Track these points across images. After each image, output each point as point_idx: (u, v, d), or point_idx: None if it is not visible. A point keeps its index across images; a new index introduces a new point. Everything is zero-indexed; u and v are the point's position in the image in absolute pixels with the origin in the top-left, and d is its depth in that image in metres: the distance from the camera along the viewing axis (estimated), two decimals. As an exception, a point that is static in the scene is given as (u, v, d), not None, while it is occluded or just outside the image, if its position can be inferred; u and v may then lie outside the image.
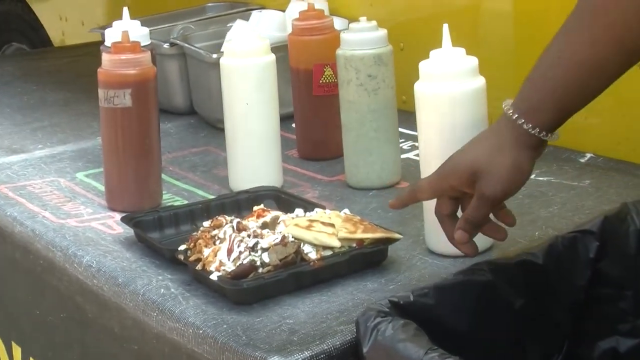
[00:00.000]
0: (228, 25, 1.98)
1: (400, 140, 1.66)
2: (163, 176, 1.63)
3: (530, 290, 1.12)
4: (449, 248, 1.25)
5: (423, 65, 1.24)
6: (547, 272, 1.13)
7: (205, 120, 1.92)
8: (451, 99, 1.21)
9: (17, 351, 1.56)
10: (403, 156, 1.62)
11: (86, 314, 1.34)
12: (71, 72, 2.39)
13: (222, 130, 1.76)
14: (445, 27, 1.22)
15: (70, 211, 1.51)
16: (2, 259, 1.55)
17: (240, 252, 1.17)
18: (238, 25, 1.86)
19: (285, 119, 1.76)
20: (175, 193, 1.57)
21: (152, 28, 2.03)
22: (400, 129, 1.62)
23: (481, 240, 1.25)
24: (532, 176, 1.49)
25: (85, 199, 1.56)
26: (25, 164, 1.74)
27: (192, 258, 1.22)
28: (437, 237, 1.26)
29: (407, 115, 1.60)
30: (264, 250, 1.17)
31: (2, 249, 1.53)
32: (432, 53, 1.24)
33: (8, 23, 3.41)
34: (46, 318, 1.45)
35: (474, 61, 1.23)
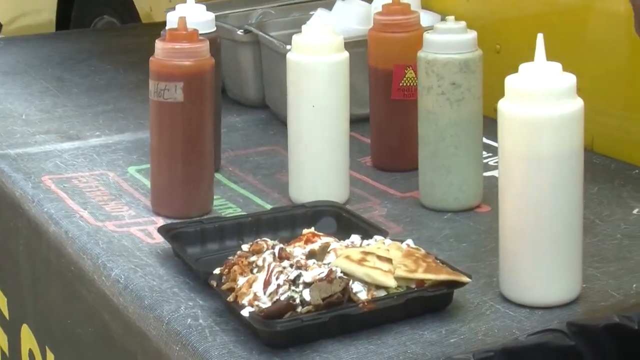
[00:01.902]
0: (311, 12, 1.82)
1: (486, 155, 1.48)
2: (220, 177, 1.48)
3: (619, 362, 0.93)
4: (526, 295, 1.07)
5: (509, 81, 1.05)
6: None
7: (277, 116, 1.76)
8: (538, 123, 1.02)
9: (50, 358, 1.44)
10: (487, 174, 1.44)
11: (112, 334, 1.20)
12: (148, 52, 2.23)
13: (293, 129, 1.61)
14: (540, 37, 1.03)
15: (111, 212, 1.37)
16: (38, 258, 1.42)
17: (279, 286, 1.01)
18: (318, 14, 1.70)
19: (362, 121, 1.60)
20: (230, 199, 1.42)
21: (230, 11, 1.89)
22: (487, 141, 1.43)
23: (564, 290, 1.07)
24: (635, 211, 1.31)
25: (131, 198, 1.42)
26: (77, 153, 1.61)
27: (225, 286, 1.06)
28: (513, 281, 1.08)
29: (495, 126, 1.42)
30: (306, 285, 1.01)
31: (39, 247, 1.41)
32: (522, 67, 1.05)
33: (101, -5, 3.32)
34: (76, 330, 1.32)
35: (570, 80, 1.04)
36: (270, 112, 1.78)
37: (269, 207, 1.37)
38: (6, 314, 1.61)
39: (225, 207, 1.39)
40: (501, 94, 1.36)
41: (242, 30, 1.78)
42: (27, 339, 1.53)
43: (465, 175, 1.34)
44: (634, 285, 1.10)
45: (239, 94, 1.84)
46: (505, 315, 1.05)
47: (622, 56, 1.53)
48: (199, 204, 1.35)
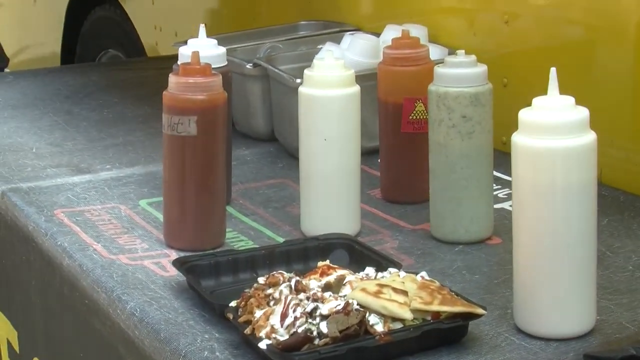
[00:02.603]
0: (319, 46, 1.84)
1: (496, 187, 1.49)
2: (231, 210, 1.49)
3: (635, 394, 0.93)
4: (540, 327, 1.07)
5: (523, 114, 1.06)
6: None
7: (286, 148, 1.77)
8: (552, 156, 1.03)
9: (61, 391, 1.44)
10: (497, 206, 1.45)
11: (127, 367, 1.20)
12: (155, 86, 2.25)
13: (302, 162, 1.62)
14: (553, 71, 1.05)
15: (124, 245, 1.38)
16: (51, 292, 1.43)
17: (296, 318, 1.01)
18: (327, 48, 1.71)
19: (372, 153, 1.61)
20: (241, 231, 1.43)
21: (238, 45, 1.91)
22: (497, 174, 1.45)
23: (579, 322, 1.07)
24: (646, 242, 1.32)
25: (144, 231, 1.43)
26: (88, 186, 1.62)
27: (241, 319, 1.07)
28: (527, 313, 1.08)
29: (506, 158, 1.43)
30: (323, 317, 1.02)
31: (52, 280, 1.42)
32: (535, 100, 1.06)
33: (106, 29, 3.35)
34: (89, 363, 1.32)
35: (583, 113, 1.05)
36: (279, 145, 1.79)
37: (280, 240, 1.38)
38: (16, 347, 1.62)
39: (237, 239, 1.40)
40: (508, 127, 1.37)
41: (251, 65, 1.79)
42: (38, 373, 1.53)
43: (476, 208, 1.34)
44: (648, 317, 1.11)
45: (247, 127, 1.85)
46: (520, 347, 1.06)
47: (628, 89, 1.54)
48: (211, 237, 1.36)
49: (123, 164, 1.73)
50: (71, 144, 1.85)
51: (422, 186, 1.48)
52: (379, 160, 1.59)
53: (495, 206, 1.42)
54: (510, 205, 1.47)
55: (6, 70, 3.52)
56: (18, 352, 1.61)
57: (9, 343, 1.65)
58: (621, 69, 1.54)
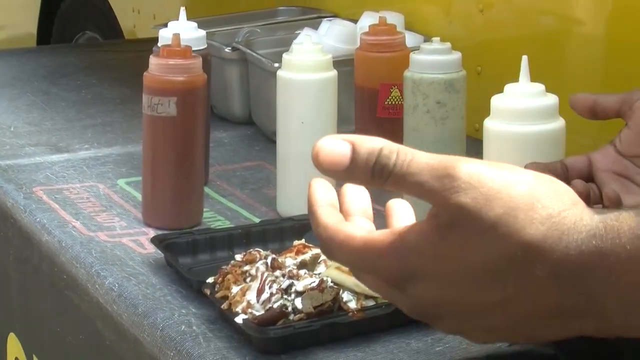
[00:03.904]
0: (296, 32, 1.86)
1: (469, 173, 1.52)
2: (208, 191, 1.52)
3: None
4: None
5: (495, 100, 1.10)
6: (621, 351, 0.98)
7: (263, 132, 1.80)
8: (523, 141, 1.07)
9: (37, 366, 1.46)
10: (469, 191, 1.48)
11: (104, 341, 1.22)
12: (134, 68, 2.28)
13: (278, 145, 1.64)
14: (524, 59, 1.08)
15: (103, 223, 1.40)
16: (29, 267, 1.45)
17: (272, 294, 1.04)
18: (304, 33, 1.74)
19: (346, 139, 1.64)
20: (218, 212, 1.45)
21: (216, 29, 1.93)
22: (469, 159, 1.47)
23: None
24: None
25: (122, 210, 1.45)
26: (67, 165, 1.64)
27: (219, 294, 1.09)
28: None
29: (479, 145, 1.47)
30: (298, 294, 1.05)
31: (30, 256, 1.44)
32: (507, 87, 1.10)
33: (83, 11, 3.35)
34: (65, 337, 1.34)
35: (553, 100, 1.08)
36: (256, 129, 1.82)
37: (256, 220, 1.41)
38: (-8, 323, 1.64)
39: (214, 219, 1.43)
40: (481, 114, 1.41)
41: (229, 48, 1.82)
42: (14, 348, 1.55)
43: (448, 192, 1.37)
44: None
45: (224, 110, 1.88)
46: (488, 326, 1.09)
47: (597, 78, 1.58)
48: (189, 217, 1.38)
49: (101, 144, 1.75)
50: (49, 124, 1.87)
51: (396, 170, 1.51)
52: (354, 145, 1.62)
53: (467, 191, 1.45)
54: (482, 191, 1.52)
55: (-18, 50, 3.51)
56: (-6, 327, 1.63)
57: (-16, 319, 1.67)
58: (592, 59, 1.58)
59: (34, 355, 1.47)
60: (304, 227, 1.31)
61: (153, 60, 1.36)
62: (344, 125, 1.59)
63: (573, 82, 1.58)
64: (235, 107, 1.85)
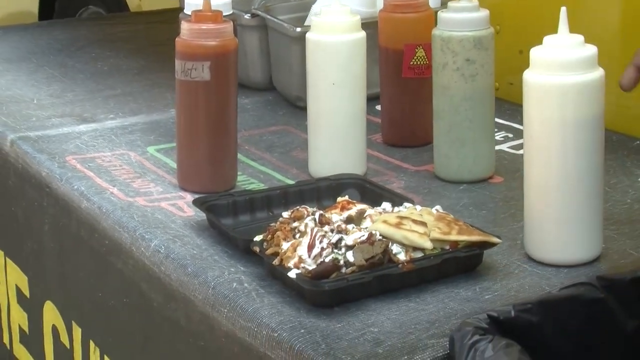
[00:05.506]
0: (312, -3, 1.87)
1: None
2: (238, 156, 1.53)
3: (645, 312, 1.00)
4: (551, 255, 1.13)
5: (535, 52, 1.11)
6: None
7: (285, 97, 1.81)
8: (563, 92, 1.09)
9: (77, 332, 1.48)
10: (496, 147, 1.50)
11: (151, 303, 1.25)
12: (146, 39, 2.31)
13: (302, 108, 1.66)
14: (563, 10, 1.10)
15: (139, 189, 1.42)
16: (67, 235, 1.47)
17: (323, 249, 1.07)
18: (324, -2, 1.75)
19: (369, 100, 1.65)
20: (251, 175, 1.47)
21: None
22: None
23: (587, 249, 1.14)
24: (641, 178, 1.38)
25: (156, 175, 1.47)
26: (95, 134, 1.65)
27: (269, 251, 1.12)
28: (538, 241, 1.14)
29: (499, 104, 1.49)
30: (348, 248, 1.07)
31: (67, 224, 1.45)
32: (546, 39, 1.12)
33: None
34: (108, 302, 1.36)
35: (592, 50, 1.10)
36: (277, 94, 1.84)
37: (289, 182, 1.43)
38: (27, 292, 1.66)
39: (248, 182, 1.44)
40: (500, 74, 1.41)
41: (248, 15, 1.83)
42: (51, 315, 1.57)
43: (479, 148, 1.40)
44: (650, 245, 1.18)
45: (244, 76, 1.89)
46: (533, 274, 1.12)
47: (616, 34, 1.60)
48: (224, 180, 1.40)
49: (126, 113, 1.76)
50: (71, 95, 1.88)
51: (423, 129, 1.53)
52: (376, 107, 1.64)
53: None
54: (509, 147, 1.55)
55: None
56: (28, 296, 1.65)
57: (17, 288, 1.69)
58: (610, 14, 1.60)
59: (73, 322, 1.49)
60: (340, 186, 1.33)
61: (185, 26, 1.37)
62: (367, 87, 1.61)
63: (592, 38, 1.59)
64: (255, 74, 1.87)
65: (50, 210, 1.51)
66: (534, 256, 1.15)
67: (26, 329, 1.69)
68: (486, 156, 1.41)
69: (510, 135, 1.59)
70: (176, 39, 1.38)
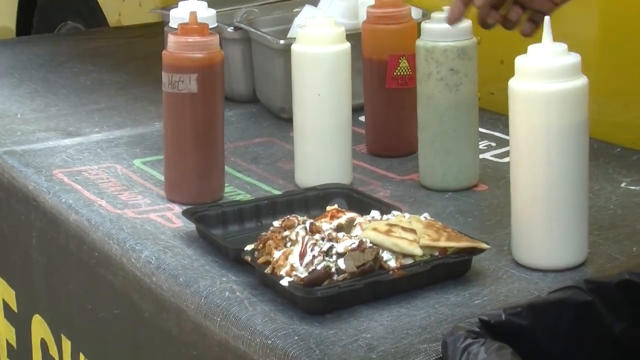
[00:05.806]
0: (294, 10, 1.89)
1: (477, 139, 1.57)
2: (225, 167, 1.54)
3: (632, 314, 1.02)
4: (538, 260, 1.15)
5: (519, 60, 1.14)
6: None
7: (269, 109, 1.83)
8: (548, 99, 1.11)
9: (66, 345, 1.49)
10: (480, 156, 1.52)
11: (142, 313, 1.25)
12: (128, 54, 2.31)
13: (286, 120, 1.68)
14: (547, 19, 1.12)
15: (127, 201, 1.42)
16: (55, 248, 1.47)
17: (314, 257, 1.08)
18: (307, 10, 1.77)
19: (353, 111, 1.67)
20: (238, 186, 1.48)
21: (215, 10, 1.95)
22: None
23: (574, 254, 1.16)
24: (623, 185, 1.40)
25: (143, 188, 1.48)
26: (81, 148, 1.66)
27: (260, 260, 1.13)
28: (526, 247, 1.16)
29: (481, 113, 1.51)
30: (339, 255, 1.08)
31: (56, 237, 1.46)
32: (530, 48, 1.14)
33: (65, 1, 3.34)
34: (98, 314, 1.37)
35: (575, 58, 1.13)
36: (261, 106, 1.85)
37: (276, 192, 1.44)
38: (14, 306, 1.66)
39: (235, 194, 1.46)
40: (482, 83, 1.43)
41: (232, 28, 1.84)
42: (39, 329, 1.57)
43: (464, 156, 1.42)
44: (634, 249, 1.20)
45: (228, 89, 1.88)
46: (520, 278, 1.14)
47: (596, 43, 1.63)
48: (212, 191, 1.41)
49: (111, 126, 1.77)
50: (55, 109, 1.89)
51: (407, 139, 1.55)
52: (360, 118, 1.65)
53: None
54: (492, 156, 1.57)
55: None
56: (16, 310, 1.65)
57: (5, 303, 1.69)
58: (588, 24, 1.62)
59: (62, 335, 1.49)
60: (328, 195, 1.35)
61: (172, 39, 1.38)
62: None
63: (571, 48, 1.62)
64: (239, 86, 1.88)
65: (37, 223, 1.51)
66: (522, 261, 1.17)
67: (14, 343, 1.69)
68: (471, 164, 1.43)
69: (493, 144, 1.61)
70: (163, 51, 1.40)
